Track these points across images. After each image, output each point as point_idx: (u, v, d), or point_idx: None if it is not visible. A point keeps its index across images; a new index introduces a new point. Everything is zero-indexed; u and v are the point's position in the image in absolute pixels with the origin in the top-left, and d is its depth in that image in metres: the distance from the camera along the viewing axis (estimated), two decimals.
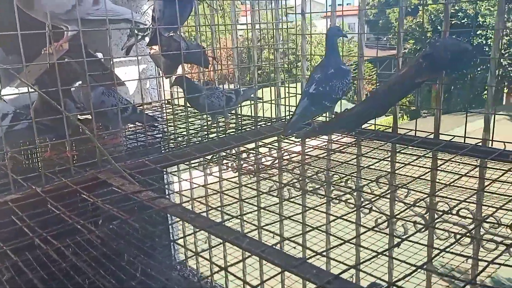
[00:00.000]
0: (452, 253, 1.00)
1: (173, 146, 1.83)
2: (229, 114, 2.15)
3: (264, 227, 1.14)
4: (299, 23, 2.13)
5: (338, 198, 1.39)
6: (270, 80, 2.23)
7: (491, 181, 1.25)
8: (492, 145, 1.51)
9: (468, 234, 1.41)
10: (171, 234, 2.19)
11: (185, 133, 1.96)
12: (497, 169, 1.36)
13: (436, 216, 1.58)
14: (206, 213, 1.62)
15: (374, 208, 1.52)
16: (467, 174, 1.29)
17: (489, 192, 1.22)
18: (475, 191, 1.26)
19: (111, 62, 1.64)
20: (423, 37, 17.59)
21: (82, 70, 1.52)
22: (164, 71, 2.06)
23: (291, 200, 1.30)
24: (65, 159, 1.59)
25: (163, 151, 1.81)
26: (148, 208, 1.22)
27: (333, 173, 1.61)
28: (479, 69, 15.07)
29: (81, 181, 1.48)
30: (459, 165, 1.39)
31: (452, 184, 1.27)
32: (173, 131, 2.08)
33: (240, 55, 2.61)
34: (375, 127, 1.82)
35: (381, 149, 1.66)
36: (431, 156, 1.58)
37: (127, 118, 1.91)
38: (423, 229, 1.60)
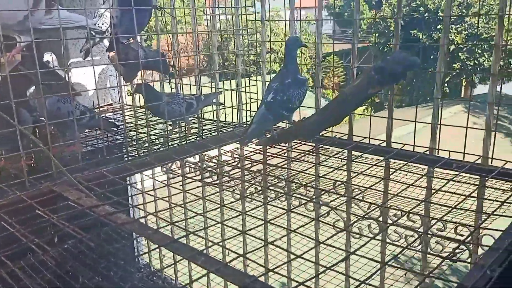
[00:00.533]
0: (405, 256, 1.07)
1: (133, 154, 1.83)
2: (191, 119, 2.16)
3: (218, 243, 1.16)
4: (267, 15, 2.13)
5: (299, 205, 1.44)
6: (236, 71, 2.22)
7: (435, 191, 1.33)
8: (438, 154, 1.60)
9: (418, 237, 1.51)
10: (135, 249, 2.18)
11: (146, 138, 1.95)
12: (442, 178, 1.43)
13: (389, 221, 1.68)
14: (171, 226, 1.63)
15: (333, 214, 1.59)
16: (413, 185, 1.36)
17: (434, 203, 1.29)
18: (421, 201, 1.33)
19: (67, 72, 1.61)
20: (386, 30, 18.05)
21: (36, 80, 1.49)
22: (123, 78, 2.04)
23: (250, 213, 1.33)
24: (20, 169, 1.56)
25: (124, 159, 1.80)
26: (106, 224, 1.22)
27: (293, 183, 1.66)
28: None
29: (36, 194, 1.45)
30: (406, 174, 1.47)
31: (399, 195, 1.34)
32: (134, 136, 2.07)
33: (207, 46, 2.58)
34: (332, 134, 1.88)
35: (337, 158, 1.72)
36: (383, 165, 1.65)
37: (85, 124, 1.88)
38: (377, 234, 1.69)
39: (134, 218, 1.36)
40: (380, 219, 1.69)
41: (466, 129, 1.51)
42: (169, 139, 2.00)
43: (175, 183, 1.54)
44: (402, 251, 1.23)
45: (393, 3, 18.23)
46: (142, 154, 1.87)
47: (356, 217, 1.52)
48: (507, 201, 1.17)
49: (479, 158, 1.49)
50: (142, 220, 1.42)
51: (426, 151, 1.61)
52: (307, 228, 1.38)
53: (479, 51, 14.62)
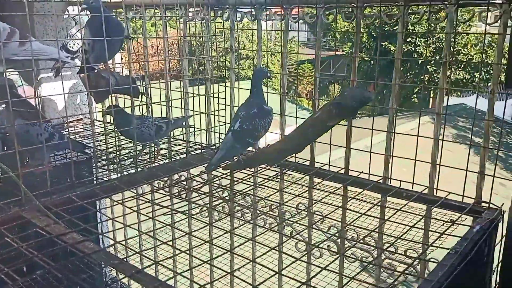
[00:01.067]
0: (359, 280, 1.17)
1: (101, 178, 1.88)
2: (161, 140, 2.22)
3: (180, 274, 1.23)
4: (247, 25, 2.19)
5: (260, 234, 1.53)
6: (209, 77, 2.27)
7: (384, 221, 1.45)
8: (390, 183, 1.72)
9: (373, 261, 1.63)
10: (104, 278, 2.21)
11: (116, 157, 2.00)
12: (392, 208, 1.56)
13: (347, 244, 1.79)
14: (140, 255, 1.68)
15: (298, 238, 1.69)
16: (366, 214, 1.47)
17: (382, 233, 1.41)
18: (371, 230, 1.44)
19: (37, 99, 1.65)
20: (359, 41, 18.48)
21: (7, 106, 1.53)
22: (94, 99, 2.09)
23: (216, 245, 1.40)
24: None
25: (93, 182, 1.85)
26: (74, 253, 1.27)
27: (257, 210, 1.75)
28: (408, 74, 16.12)
29: (5, 220, 1.48)
30: (360, 204, 1.58)
31: (353, 224, 1.44)
32: (104, 156, 2.12)
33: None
34: (295, 159, 1.98)
35: (299, 183, 1.83)
36: (341, 193, 1.76)
37: (54, 146, 1.92)
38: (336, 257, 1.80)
39: (103, 246, 1.41)
40: (339, 242, 1.81)
41: (415, 162, 1.64)
42: (138, 159, 2.06)
43: (144, 208, 1.60)
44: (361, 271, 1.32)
45: (366, 14, 18.70)
46: (112, 169, 1.91)
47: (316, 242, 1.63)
48: (445, 233, 1.29)
49: (425, 189, 1.62)
50: (112, 248, 1.48)
51: (380, 179, 1.73)
52: (269, 255, 1.47)
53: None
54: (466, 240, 1.23)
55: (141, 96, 2.08)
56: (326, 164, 1.90)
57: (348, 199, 1.77)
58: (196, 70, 2.41)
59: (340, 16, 1.79)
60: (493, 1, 1.38)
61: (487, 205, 1.48)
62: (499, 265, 1.43)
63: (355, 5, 1.68)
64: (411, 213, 1.46)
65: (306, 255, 1.90)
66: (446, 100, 1.60)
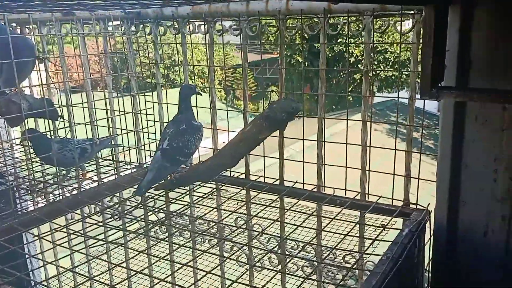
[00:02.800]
0: None
1: (21, 208, 1.73)
2: (86, 165, 2.09)
3: None
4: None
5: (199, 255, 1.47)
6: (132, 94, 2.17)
7: (319, 231, 1.46)
8: (324, 191, 1.74)
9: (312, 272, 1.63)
10: None
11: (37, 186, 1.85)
12: (327, 217, 1.57)
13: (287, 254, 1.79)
14: None
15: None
16: (302, 226, 1.47)
17: (316, 244, 1.41)
18: (306, 243, 1.44)
19: None
20: (291, 43, 18.94)
21: None
22: (8, 124, 1.92)
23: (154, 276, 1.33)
24: None
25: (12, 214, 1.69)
26: None
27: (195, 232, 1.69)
28: (341, 74, 16.72)
29: None
30: (296, 215, 1.58)
31: (290, 237, 1.43)
32: (23, 186, 1.95)
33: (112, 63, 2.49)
34: (230, 173, 1.95)
35: (235, 199, 1.80)
36: (278, 206, 1.75)
37: None
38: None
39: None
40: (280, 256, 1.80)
41: (346, 168, 1.67)
42: (62, 187, 1.92)
43: (67, 242, 1.48)
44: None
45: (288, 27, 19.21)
46: (32, 208, 1.77)
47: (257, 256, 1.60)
48: (376, 239, 1.32)
49: (357, 194, 1.65)
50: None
51: (314, 188, 1.74)
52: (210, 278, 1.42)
53: (375, 63, 15.95)
54: (396, 245, 1.26)
55: (61, 119, 1.94)
56: (261, 176, 1.88)
57: (285, 211, 1.77)
58: (120, 85, 2.29)
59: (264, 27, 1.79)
60: (406, 12, 1.43)
61: (415, 206, 1.54)
62: (430, 264, 1.48)
63: (278, 17, 1.68)
64: (345, 220, 1.48)
65: (248, 272, 1.88)
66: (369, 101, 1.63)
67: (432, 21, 1.18)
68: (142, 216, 1.89)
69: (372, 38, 1.54)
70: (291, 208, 1.64)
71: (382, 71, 17.27)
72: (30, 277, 1.67)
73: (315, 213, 1.65)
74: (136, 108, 2.18)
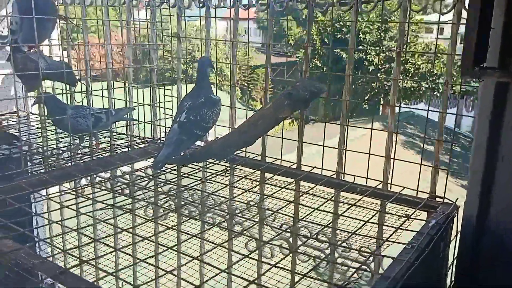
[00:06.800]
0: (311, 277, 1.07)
1: (31, 171, 1.68)
2: (103, 133, 2.04)
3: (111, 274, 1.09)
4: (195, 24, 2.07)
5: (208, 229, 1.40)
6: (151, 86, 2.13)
7: (337, 216, 1.37)
8: (344, 178, 1.65)
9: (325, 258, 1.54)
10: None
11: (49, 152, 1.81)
12: (345, 203, 1.49)
13: (299, 241, 1.70)
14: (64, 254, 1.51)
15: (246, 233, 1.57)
16: (319, 209, 1.39)
17: (336, 228, 1.33)
18: (325, 226, 1.36)
19: None
20: (312, 47, 18.84)
21: None
22: (25, 88, 1.88)
23: (161, 243, 1.26)
24: None
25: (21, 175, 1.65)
26: None
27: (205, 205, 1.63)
28: (359, 81, 16.55)
29: None
30: (312, 199, 1.50)
31: (306, 219, 1.35)
32: (36, 150, 1.90)
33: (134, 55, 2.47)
34: (245, 154, 1.88)
35: (249, 179, 1.72)
36: (293, 188, 1.67)
37: None
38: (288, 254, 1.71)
39: (21, 245, 1.23)
40: (291, 240, 1.71)
41: (369, 156, 1.58)
42: (76, 153, 1.87)
43: (74, 204, 1.43)
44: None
45: (319, 22, 19.10)
46: (43, 170, 1.72)
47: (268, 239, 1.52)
48: (400, 227, 1.23)
49: (380, 183, 1.56)
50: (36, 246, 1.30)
51: (333, 174, 1.66)
52: (216, 253, 1.35)
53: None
54: (422, 235, 1.17)
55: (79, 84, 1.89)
56: (278, 159, 1.80)
57: (301, 194, 1.69)
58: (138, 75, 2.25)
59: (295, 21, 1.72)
60: None
61: (441, 200, 1.44)
62: (454, 262, 1.39)
63: None
64: (366, 207, 1.39)
65: (257, 252, 1.80)
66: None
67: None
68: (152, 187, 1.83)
69: (408, 18, 1.45)
70: (308, 192, 1.55)
71: (400, 82, 17.10)
72: (34, 234, 1.62)
73: (332, 199, 1.57)
74: (155, 100, 2.14)
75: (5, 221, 1.25)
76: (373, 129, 1.59)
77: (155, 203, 1.55)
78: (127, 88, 2.17)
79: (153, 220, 1.46)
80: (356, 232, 1.23)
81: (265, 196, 1.56)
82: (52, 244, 1.29)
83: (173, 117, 1.78)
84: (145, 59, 2.32)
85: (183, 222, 1.58)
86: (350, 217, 1.34)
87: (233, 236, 1.46)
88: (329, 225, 1.37)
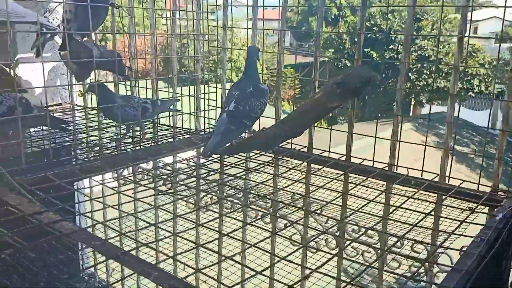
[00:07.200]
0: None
1: (82, 158, 1.71)
2: (146, 124, 2.06)
3: (171, 257, 1.08)
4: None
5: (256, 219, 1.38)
6: (196, 78, 2.14)
7: (395, 207, 1.33)
8: (397, 170, 1.60)
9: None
10: (80, 262, 2.01)
11: (97, 141, 1.83)
12: (401, 195, 1.44)
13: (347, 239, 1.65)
14: (120, 237, 1.53)
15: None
16: (374, 201, 1.35)
17: (393, 220, 1.28)
18: (382, 218, 1.32)
19: (13, 68, 1.47)
20: (341, 47, 18.59)
21: None
22: (75, 77, 1.91)
23: (206, 225, 1.25)
24: None
25: (72, 163, 1.68)
26: (49, 233, 1.11)
27: (250, 194, 1.61)
28: (390, 81, 16.24)
29: None
30: (367, 190, 1.46)
31: (359, 210, 1.32)
32: (84, 139, 1.93)
33: (164, 51, 2.50)
34: (291, 146, 1.85)
35: (297, 170, 1.69)
36: (342, 179, 1.63)
37: (29, 121, 1.73)
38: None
39: (81, 227, 1.25)
40: (338, 234, 1.67)
41: (425, 148, 1.53)
42: (121, 143, 1.89)
43: (126, 190, 1.44)
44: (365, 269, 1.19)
45: (348, 21, 18.87)
46: (92, 158, 1.74)
47: (314, 232, 1.49)
48: (465, 220, 1.18)
49: (436, 176, 1.50)
50: (90, 230, 1.31)
51: (385, 167, 1.61)
52: (264, 242, 1.33)
53: (427, 73, 15.36)
54: (490, 228, 1.12)
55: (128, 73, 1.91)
56: (326, 151, 1.77)
57: (350, 187, 1.65)
58: (178, 71, 2.25)
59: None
60: None
61: (504, 194, 1.38)
62: None
63: None
64: (425, 200, 1.34)
65: (302, 250, 1.77)
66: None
67: None
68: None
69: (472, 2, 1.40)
70: (360, 184, 1.51)
71: (433, 82, 16.71)
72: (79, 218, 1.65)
73: (385, 191, 1.52)
74: (199, 92, 2.14)
75: (62, 204, 1.28)
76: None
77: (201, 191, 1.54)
78: (171, 80, 2.18)
79: (203, 207, 1.45)
80: (418, 225, 1.18)
81: (314, 188, 1.52)
82: (109, 227, 1.30)
83: (221, 107, 1.77)
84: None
85: (228, 213, 1.56)
86: (409, 209, 1.29)
87: (280, 229, 1.43)
88: (385, 217, 1.33)
